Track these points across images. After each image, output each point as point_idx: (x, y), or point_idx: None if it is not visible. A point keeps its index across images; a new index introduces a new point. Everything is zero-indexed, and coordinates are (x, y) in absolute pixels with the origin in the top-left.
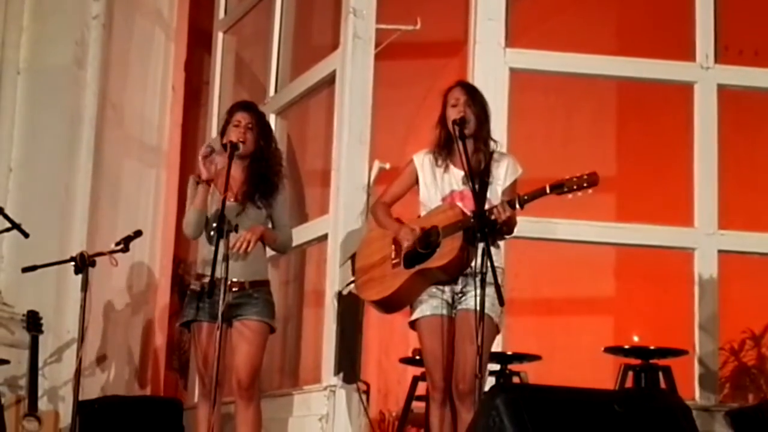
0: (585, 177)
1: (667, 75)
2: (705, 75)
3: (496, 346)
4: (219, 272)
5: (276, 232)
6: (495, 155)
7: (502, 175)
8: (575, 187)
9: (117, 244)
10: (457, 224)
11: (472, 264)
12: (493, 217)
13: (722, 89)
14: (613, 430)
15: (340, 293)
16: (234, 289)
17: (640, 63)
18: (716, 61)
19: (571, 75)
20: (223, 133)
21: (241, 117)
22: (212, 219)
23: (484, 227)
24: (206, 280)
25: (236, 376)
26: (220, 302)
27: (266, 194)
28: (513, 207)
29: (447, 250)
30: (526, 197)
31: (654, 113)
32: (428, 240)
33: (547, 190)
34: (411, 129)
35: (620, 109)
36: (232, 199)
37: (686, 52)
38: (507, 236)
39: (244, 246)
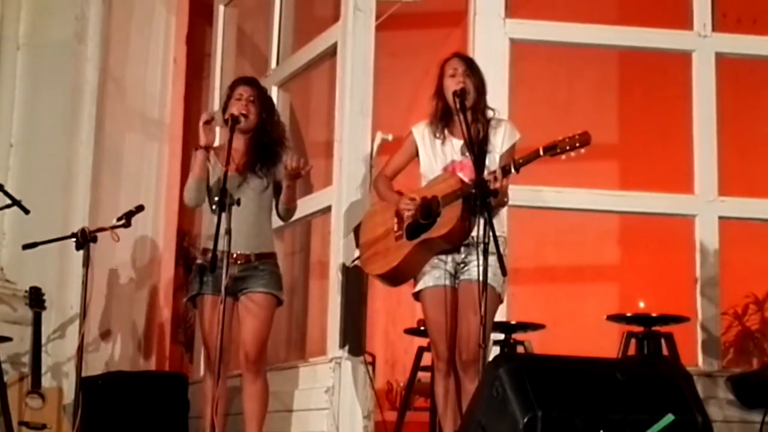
0: (577, 137)
1: (665, 44)
2: (703, 43)
3: (500, 316)
4: (222, 246)
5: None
6: (492, 122)
7: (500, 142)
8: (568, 147)
9: (119, 219)
10: (456, 193)
11: (474, 233)
12: (492, 187)
13: (720, 57)
14: (616, 398)
15: (344, 265)
16: (239, 262)
17: (638, 32)
18: (714, 29)
19: (571, 45)
20: (224, 108)
21: (243, 90)
22: (215, 192)
23: (485, 196)
24: (211, 255)
25: (243, 349)
26: (223, 275)
27: (268, 163)
28: (509, 172)
29: (447, 219)
30: (521, 161)
31: (654, 82)
32: (429, 210)
33: (541, 152)
34: (413, 100)
35: (621, 79)
36: (234, 171)
37: (684, 21)
38: (498, 207)
39: (296, 164)
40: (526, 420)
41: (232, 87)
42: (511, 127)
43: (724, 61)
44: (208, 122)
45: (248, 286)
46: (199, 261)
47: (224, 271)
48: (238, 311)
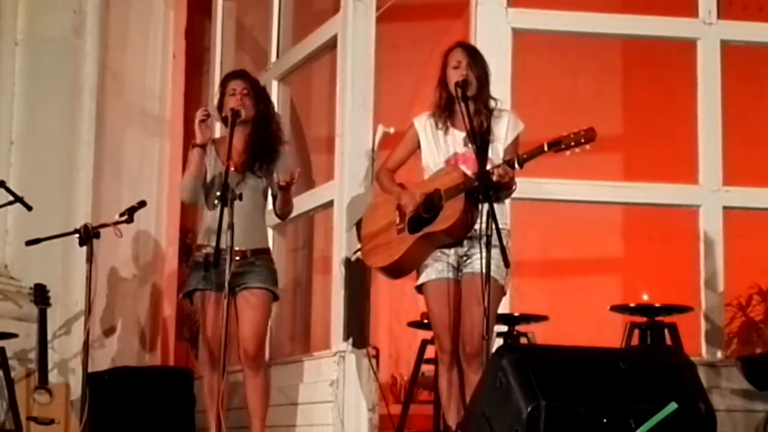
0: (582, 133)
1: (670, 32)
2: (708, 31)
3: (504, 308)
4: (223, 242)
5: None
6: (495, 113)
7: (503, 133)
8: (573, 143)
9: (121, 215)
10: (458, 186)
11: (476, 226)
12: (495, 179)
13: (725, 45)
14: (619, 388)
15: (347, 259)
16: (236, 258)
17: (642, 20)
18: (720, 16)
19: (574, 34)
20: (220, 106)
21: (236, 85)
22: (216, 187)
23: (488, 189)
24: (207, 250)
25: (242, 345)
26: (227, 271)
27: (266, 162)
28: (512, 167)
29: (450, 213)
30: (525, 156)
31: (659, 71)
32: (431, 204)
33: (545, 148)
34: (415, 92)
35: (625, 68)
36: (232, 168)
37: (689, 8)
38: (505, 198)
39: (288, 179)
40: (529, 410)
41: (224, 83)
42: (514, 117)
43: (729, 49)
44: (203, 120)
45: (245, 282)
46: (197, 258)
47: (227, 267)
48: (236, 307)
